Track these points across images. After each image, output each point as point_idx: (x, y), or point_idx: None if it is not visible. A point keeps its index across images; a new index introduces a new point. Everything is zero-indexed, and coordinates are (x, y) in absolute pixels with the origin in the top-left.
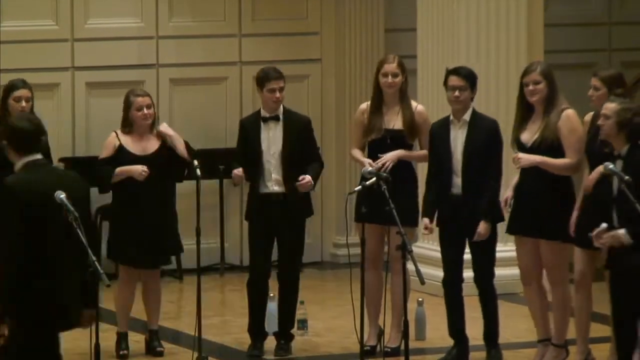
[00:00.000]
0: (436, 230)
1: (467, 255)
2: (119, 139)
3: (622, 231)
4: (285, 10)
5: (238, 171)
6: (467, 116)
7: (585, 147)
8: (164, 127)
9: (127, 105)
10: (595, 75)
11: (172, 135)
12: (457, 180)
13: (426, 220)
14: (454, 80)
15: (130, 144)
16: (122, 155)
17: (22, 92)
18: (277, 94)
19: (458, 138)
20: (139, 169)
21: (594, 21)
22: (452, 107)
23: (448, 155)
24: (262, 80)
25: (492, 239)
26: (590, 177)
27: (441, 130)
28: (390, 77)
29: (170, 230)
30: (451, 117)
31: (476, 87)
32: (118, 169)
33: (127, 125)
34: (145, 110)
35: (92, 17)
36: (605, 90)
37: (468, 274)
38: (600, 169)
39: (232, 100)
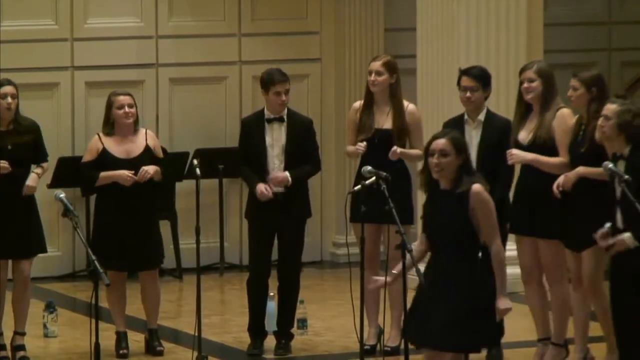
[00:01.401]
0: None
1: None
2: (102, 142)
3: (627, 234)
4: (285, 10)
5: (267, 191)
6: (481, 116)
7: (569, 147)
8: (152, 141)
9: (109, 105)
10: (574, 76)
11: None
12: None
13: None
14: (465, 80)
15: (114, 147)
16: (105, 159)
17: (7, 89)
18: (283, 97)
19: (473, 138)
20: (125, 174)
21: (594, 21)
22: (465, 108)
23: None
24: (267, 83)
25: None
26: (569, 176)
27: (455, 129)
28: (373, 75)
29: (153, 236)
30: (466, 117)
31: (490, 87)
32: (103, 174)
33: (108, 126)
34: (126, 109)
35: (91, 17)
36: (584, 91)
37: None
38: (579, 170)
39: (231, 100)
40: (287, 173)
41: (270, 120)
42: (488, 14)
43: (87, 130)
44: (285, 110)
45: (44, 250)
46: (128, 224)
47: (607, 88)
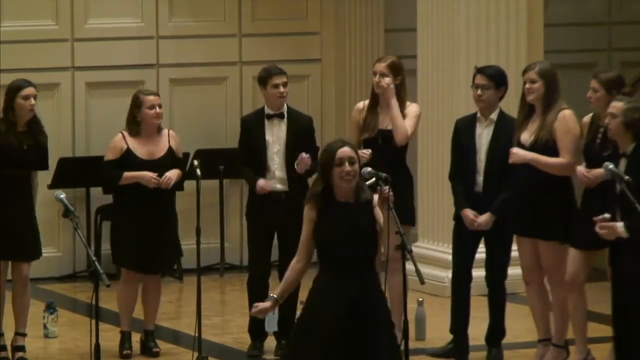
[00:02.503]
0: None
1: (478, 255)
2: (126, 142)
3: (620, 224)
4: (285, 10)
5: (267, 185)
6: (494, 115)
7: (584, 148)
8: (174, 142)
9: (137, 105)
10: (594, 77)
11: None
12: (480, 179)
13: (468, 212)
14: (478, 78)
15: (138, 148)
16: (129, 159)
17: (30, 90)
18: (282, 89)
19: (483, 136)
20: (149, 176)
21: (594, 21)
22: (477, 106)
23: (473, 152)
24: (264, 77)
25: (507, 240)
26: (595, 173)
27: (467, 127)
28: (377, 76)
29: (172, 235)
30: (478, 115)
31: (505, 86)
32: (127, 174)
33: (135, 125)
34: (157, 109)
35: (92, 17)
36: (604, 93)
37: (476, 273)
38: (602, 171)
39: (232, 100)
40: (308, 155)
41: (270, 117)
42: (488, 14)
43: (87, 130)
44: (285, 106)
45: (39, 255)
46: (148, 225)
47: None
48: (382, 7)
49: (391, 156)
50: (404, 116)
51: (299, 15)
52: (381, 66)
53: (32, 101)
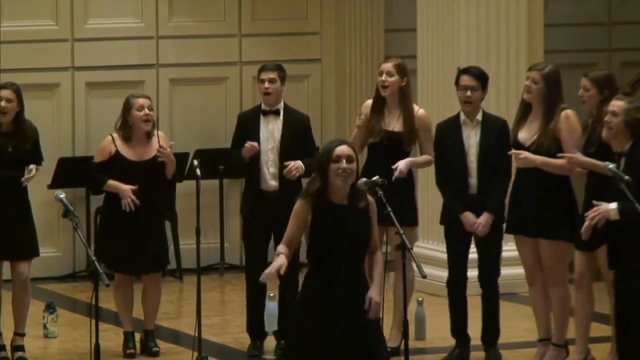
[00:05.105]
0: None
1: (471, 255)
2: (115, 145)
3: (613, 205)
4: (285, 10)
5: (253, 143)
6: (479, 116)
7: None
8: (163, 142)
9: (127, 107)
10: (585, 76)
11: (168, 156)
12: (472, 181)
13: (470, 216)
14: (466, 79)
15: (126, 150)
16: (117, 161)
17: (3, 93)
18: (266, 85)
19: (471, 139)
20: (127, 193)
21: (594, 21)
22: (464, 108)
23: (462, 156)
24: (258, 71)
25: (498, 238)
26: (586, 163)
27: (451, 130)
28: (384, 75)
29: (160, 239)
30: (463, 118)
31: (487, 88)
32: (110, 183)
33: (125, 129)
34: (146, 110)
35: (92, 17)
36: (595, 91)
37: (471, 273)
38: (599, 164)
39: (232, 100)
40: (298, 162)
41: (266, 113)
42: (488, 14)
43: (87, 130)
44: (282, 104)
45: (37, 254)
46: (136, 227)
47: (618, 89)
48: (382, 7)
49: (396, 157)
50: (414, 124)
51: (299, 15)
52: (388, 65)
53: (3, 103)
